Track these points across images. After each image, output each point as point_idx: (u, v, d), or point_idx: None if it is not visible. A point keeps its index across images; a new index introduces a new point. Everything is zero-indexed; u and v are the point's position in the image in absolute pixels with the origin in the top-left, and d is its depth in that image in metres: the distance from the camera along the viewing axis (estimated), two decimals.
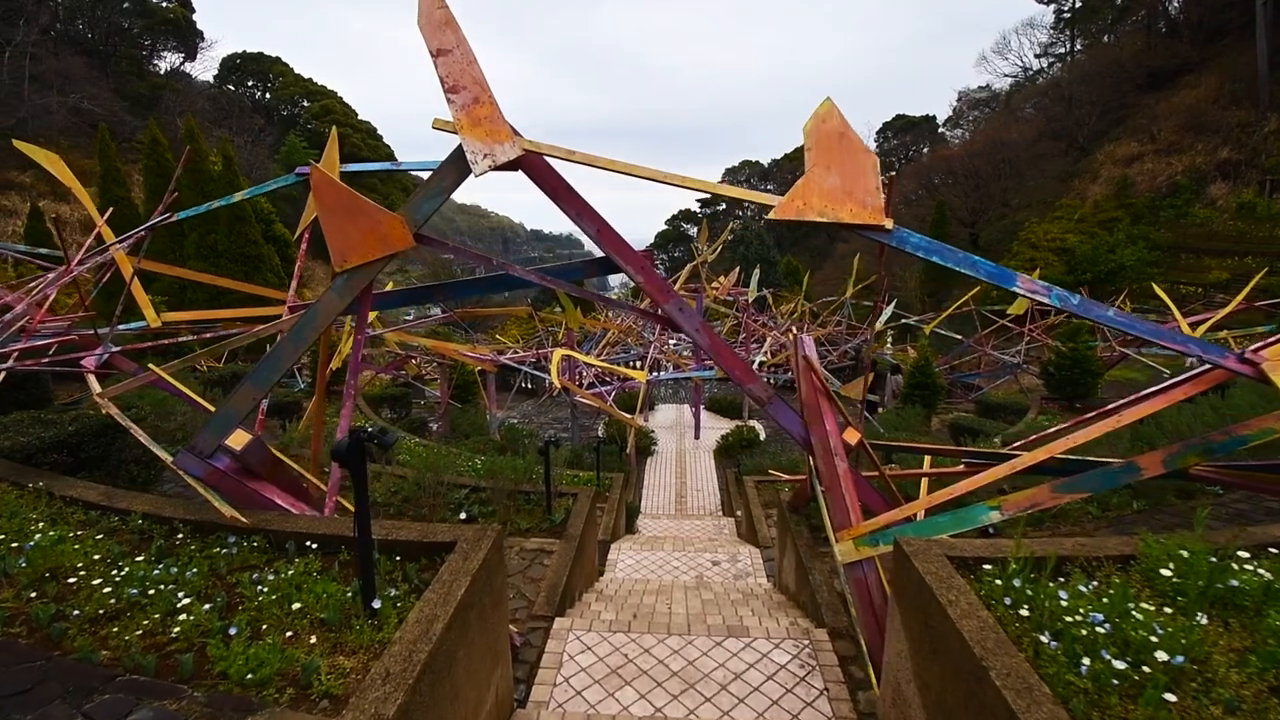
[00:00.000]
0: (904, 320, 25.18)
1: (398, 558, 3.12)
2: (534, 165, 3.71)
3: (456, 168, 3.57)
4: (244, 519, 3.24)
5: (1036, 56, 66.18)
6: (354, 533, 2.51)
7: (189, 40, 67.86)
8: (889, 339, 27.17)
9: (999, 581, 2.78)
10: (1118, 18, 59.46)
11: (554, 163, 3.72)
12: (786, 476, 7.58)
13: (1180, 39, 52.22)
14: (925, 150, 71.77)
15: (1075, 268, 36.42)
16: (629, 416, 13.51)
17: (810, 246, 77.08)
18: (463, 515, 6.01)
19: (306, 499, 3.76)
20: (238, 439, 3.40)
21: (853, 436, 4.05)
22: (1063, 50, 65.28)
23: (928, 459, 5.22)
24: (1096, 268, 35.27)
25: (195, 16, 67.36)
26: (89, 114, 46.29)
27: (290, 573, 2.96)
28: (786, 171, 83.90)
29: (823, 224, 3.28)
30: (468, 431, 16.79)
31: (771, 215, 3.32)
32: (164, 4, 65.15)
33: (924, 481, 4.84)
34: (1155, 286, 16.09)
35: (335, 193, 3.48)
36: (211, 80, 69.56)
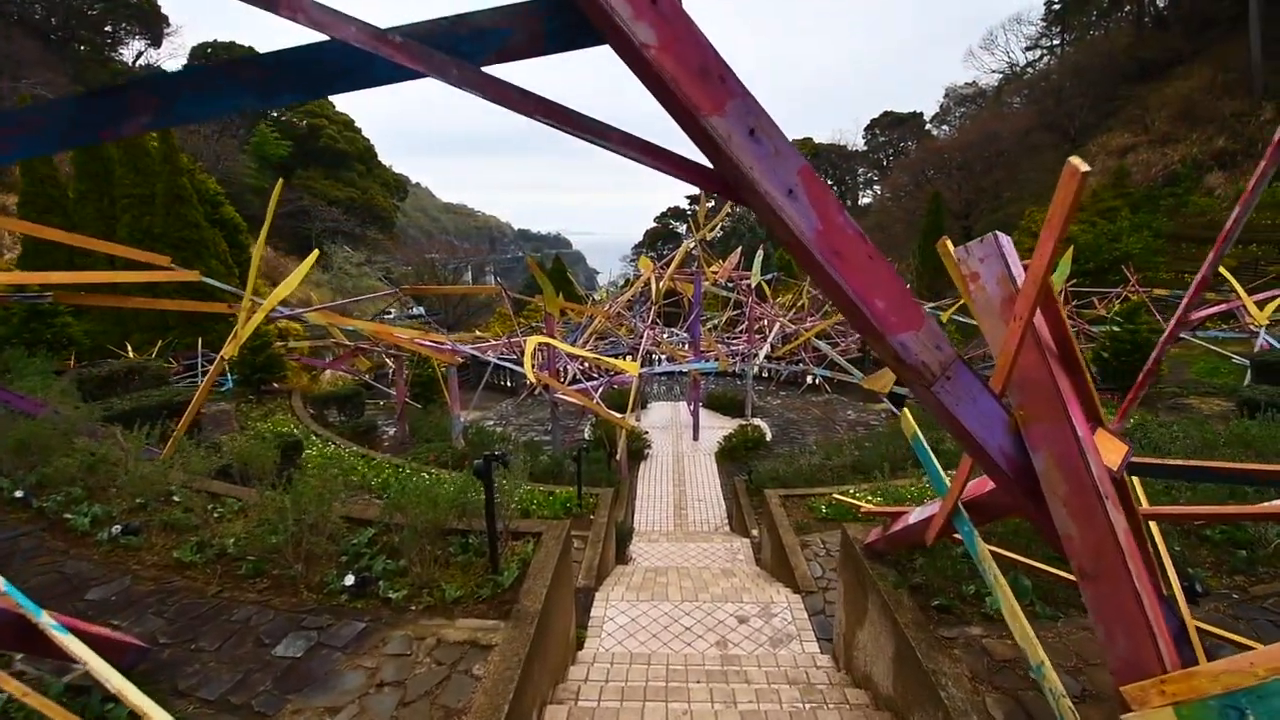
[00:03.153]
0: None
1: None
2: None
3: None
4: None
5: (1025, 50, 66.21)
6: None
7: (154, 26, 64.44)
8: None
9: None
10: (1106, 10, 59.97)
11: None
12: (875, 509, 5.32)
13: (1170, 31, 52.89)
14: (913, 146, 71.04)
15: (1078, 257, 35.41)
16: (619, 416, 11.29)
17: None
18: (349, 580, 3.71)
19: None
20: None
21: (1116, 452, 1.87)
22: (1051, 44, 65.27)
23: (1138, 495, 3.04)
24: (1099, 256, 34.34)
25: (160, 1, 63.93)
26: (44, 101, 42.91)
27: None
28: None
29: None
30: (429, 435, 14.42)
31: None
32: None
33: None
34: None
35: None
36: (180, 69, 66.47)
